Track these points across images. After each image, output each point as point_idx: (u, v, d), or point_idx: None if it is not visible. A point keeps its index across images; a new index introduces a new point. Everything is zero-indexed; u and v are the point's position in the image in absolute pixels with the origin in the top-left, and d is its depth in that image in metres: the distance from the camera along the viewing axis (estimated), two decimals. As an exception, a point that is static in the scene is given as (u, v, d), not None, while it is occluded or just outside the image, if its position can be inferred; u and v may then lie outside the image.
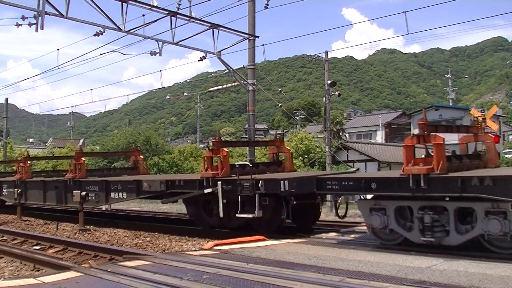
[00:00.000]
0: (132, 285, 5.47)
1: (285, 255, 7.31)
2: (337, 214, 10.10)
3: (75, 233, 12.54)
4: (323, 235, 10.15)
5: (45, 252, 9.40)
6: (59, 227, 13.87)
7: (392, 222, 8.03)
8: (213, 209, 10.86)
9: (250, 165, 12.71)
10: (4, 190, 18.23)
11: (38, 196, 16.03)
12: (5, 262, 8.55)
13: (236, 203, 10.03)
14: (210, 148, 11.19)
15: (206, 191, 10.42)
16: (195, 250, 8.66)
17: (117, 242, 11.00)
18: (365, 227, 9.16)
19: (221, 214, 10.12)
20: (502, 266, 6.09)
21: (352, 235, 10.04)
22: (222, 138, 12.72)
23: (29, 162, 17.49)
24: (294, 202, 9.70)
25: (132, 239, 11.25)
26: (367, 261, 6.67)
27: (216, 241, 8.87)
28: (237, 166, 12.10)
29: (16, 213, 16.50)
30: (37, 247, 10.10)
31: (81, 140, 77.94)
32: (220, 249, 8.06)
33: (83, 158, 14.93)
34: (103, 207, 17.70)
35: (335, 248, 8.08)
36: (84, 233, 12.39)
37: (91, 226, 13.36)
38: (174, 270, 6.27)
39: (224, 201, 10.17)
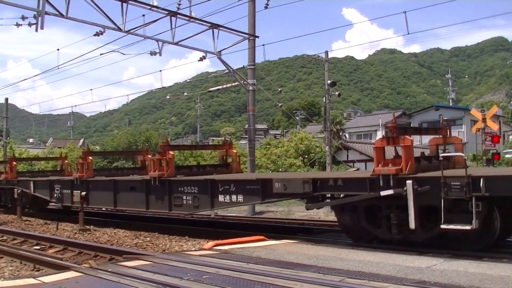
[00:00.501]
0: (132, 285, 5.47)
1: (285, 255, 7.31)
2: None
3: (75, 233, 12.54)
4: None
5: (45, 252, 9.40)
6: (59, 227, 13.88)
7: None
8: (382, 219, 8.28)
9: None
10: (56, 191, 15.20)
11: (106, 198, 13.21)
12: (5, 262, 8.55)
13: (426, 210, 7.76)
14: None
15: (385, 193, 7.79)
16: (195, 250, 8.65)
17: (117, 242, 11.01)
18: None
19: (412, 226, 7.40)
20: (502, 266, 6.09)
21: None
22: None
23: (90, 158, 14.78)
24: None
25: (132, 239, 11.26)
26: (367, 261, 6.67)
27: (216, 241, 8.87)
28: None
29: (16, 213, 16.50)
30: (37, 247, 10.10)
31: (81, 140, 77.96)
32: (220, 249, 8.06)
33: (171, 152, 11.79)
34: (103, 207, 17.62)
35: (335, 248, 8.07)
36: (84, 233, 12.39)
37: (91, 226, 13.36)
38: (174, 270, 6.27)
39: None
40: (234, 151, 14.11)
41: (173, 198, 11.08)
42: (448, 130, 9.84)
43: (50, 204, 18.11)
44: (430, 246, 7.65)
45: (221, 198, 10.20)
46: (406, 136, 7.95)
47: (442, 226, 7.11)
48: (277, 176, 11.14)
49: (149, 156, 16.97)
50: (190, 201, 10.79)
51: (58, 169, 22.47)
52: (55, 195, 15.25)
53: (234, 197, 10.00)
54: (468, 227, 6.81)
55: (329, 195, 9.04)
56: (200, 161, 35.02)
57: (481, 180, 6.76)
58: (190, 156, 38.17)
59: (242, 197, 9.90)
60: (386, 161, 7.96)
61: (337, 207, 9.17)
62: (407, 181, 7.42)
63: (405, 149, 7.78)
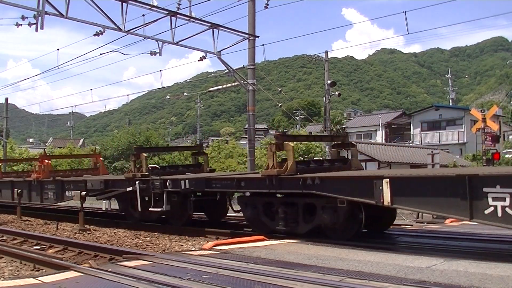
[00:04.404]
0: (132, 285, 5.47)
1: (285, 255, 7.31)
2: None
3: (75, 233, 12.54)
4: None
5: (45, 252, 9.39)
6: (59, 227, 13.87)
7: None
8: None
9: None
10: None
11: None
12: (5, 262, 8.54)
13: None
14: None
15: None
16: (195, 250, 8.65)
17: (117, 242, 11.00)
18: None
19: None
20: (502, 266, 6.08)
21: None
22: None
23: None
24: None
25: (132, 239, 11.25)
26: (367, 261, 6.67)
27: (216, 241, 8.88)
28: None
29: (16, 213, 16.50)
30: (37, 247, 10.09)
31: (81, 140, 77.98)
32: (220, 249, 8.06)
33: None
34: (103, 207, 17.63)
35: (335, 248, 8.07)
36: (84, 233, 12.39)
37: (91, 226, 13.35)
38: (174, 270, 6.27)
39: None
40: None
41: None
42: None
43: None
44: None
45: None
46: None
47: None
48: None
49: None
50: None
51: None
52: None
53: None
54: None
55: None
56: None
57: None
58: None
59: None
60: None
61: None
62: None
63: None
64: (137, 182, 12.04)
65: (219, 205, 12.81)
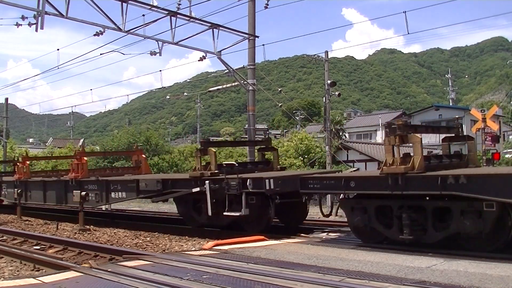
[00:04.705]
0: (132, 285, 5.47)
1: (285, 255, 7.31)
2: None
3: (75, 233, 12.54)
4: (323, 235, 10.17)
5: (45, 252, 9.40)
6: (59, 227, 13.87)
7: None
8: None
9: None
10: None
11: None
12: (5, 262, 8.54)
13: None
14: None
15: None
16: (195, 250, 8.65)
17: (117, 242, 11.00)
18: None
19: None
20: (502, 266, 6.08)
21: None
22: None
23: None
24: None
25: (132, 239, 11.26)
26: (367, 261, 6.67)
27: (216, 241, 8.87)
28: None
29: (16, 213, 16.49)
30: (37, 247, 10.10)
31: (81, 140, 77.94)
32: (220, 249, 8.06)
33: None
34: (103, 207, 17.65)
35: (335, 248, 8.07)
36: (84, 233, 12.39)
37: (91, 226, 13.36)
38: (174, 270, 6.27)
39: None
40: (144, 156, 17.16)
41: None
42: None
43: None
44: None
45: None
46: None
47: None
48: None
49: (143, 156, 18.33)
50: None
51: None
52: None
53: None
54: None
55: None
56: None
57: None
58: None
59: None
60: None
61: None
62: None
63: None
64: (206, 182, 10.30)
65: (299, 208, 11.27)
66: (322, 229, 11.39)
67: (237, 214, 9.93)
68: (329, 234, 10.41)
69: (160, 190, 11.63)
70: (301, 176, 9.25)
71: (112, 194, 13.06)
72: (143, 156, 17.59)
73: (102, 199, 13.46)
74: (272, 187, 9.43)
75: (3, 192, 18.03)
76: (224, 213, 10.13)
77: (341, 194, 8.88)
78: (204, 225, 11.34)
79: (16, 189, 16.65)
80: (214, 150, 11.09)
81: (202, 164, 11.10)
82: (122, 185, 12.85)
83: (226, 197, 10.03)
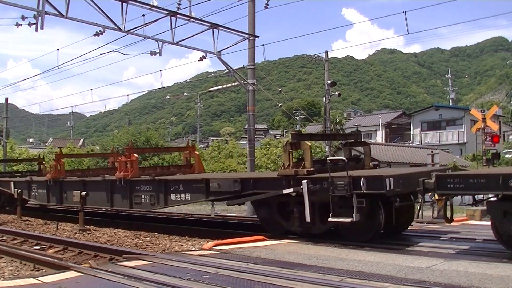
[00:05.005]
0: (132, 285, 5.47)
1: (285, 255, 7.31)
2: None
3: (75, 233, 12.54)
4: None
5: (45, 252, 9.40)
6: (59, 227, 13.87)
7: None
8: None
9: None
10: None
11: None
12: (5, 262, 8.54)
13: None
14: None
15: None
16: (195, 250, 8.66)
17: (117, 242, 11.01)
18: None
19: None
20: (502, 266, 6.09)
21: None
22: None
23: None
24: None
25: (132, 239, 11.26)
26: (367, 261, 6.67)
27: (216, 241, 8.87)
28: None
29: (16, 213, 16.49)
30: (37, 247, 10.10)
31: (81, 140, 77.98)
32: (220, 249, 8.06)
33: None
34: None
35: (335, 248, 8.08)
36: (84, 233, 12.39)
37: (91, 226, 13.36)
38: (174, 270, 6.27)
39: None
40: (197, 152, 15.46)
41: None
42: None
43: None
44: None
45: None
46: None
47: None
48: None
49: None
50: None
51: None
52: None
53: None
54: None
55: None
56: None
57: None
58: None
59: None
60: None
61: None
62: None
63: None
64: (304, 181, 8.73)
65: (408, 212, 9.80)
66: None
67: (347, 220, 8.18)
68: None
69: (238, 191, 9.96)
70: (437, 174, 7.54)
71: (172, 196, 11.36)
72: (197, 153, 15.41)
73: (158, 201, 11.68)
74: (392, 187, 7.97)
75: (32, 193, 16.20)
76: (329, 219, 8.41)
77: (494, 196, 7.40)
78: (294, 232, 9.46)
79: (46, 190, 15.42)
80: (310, 144, 9.40)
81: (294, 161, 9.35)
82: (186, 185, 11.09)
83: (330, 200, 8.42)
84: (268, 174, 12.20)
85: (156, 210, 14.41)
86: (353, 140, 11.64)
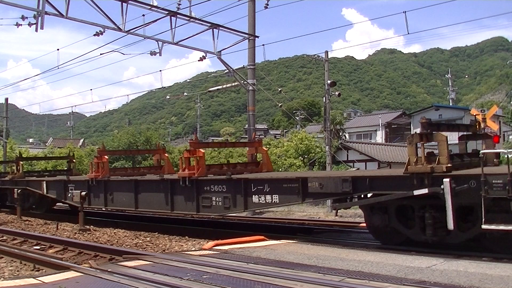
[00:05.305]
0: (132, 285, 5.47)
1: (285, 255, 7.31)
2: None
3: (75, 233, 12.54)
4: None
5: (45, 252, 9.40)
6: (59, 227, 13.87)
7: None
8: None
9: None
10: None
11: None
12: (5, 262, 8.54)
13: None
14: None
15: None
16: (195, 250, 8.66)
17: (117, 242, 11.00)
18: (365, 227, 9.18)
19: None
20: (502, 266, 6.09)
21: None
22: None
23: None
24: None
25: (132, 239, 11.25)
26: (367, 261, 6.67)
27: (216, 241, 8.88)
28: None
29: (16, 213, 16.48)
30: (37, 247, 10.10)
31: (81, 140, 77.95)
32: (220, 249, 8.07)
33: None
34: (103, 207, 17.34)
35: (335, 248, 8.07)
36: (84, 233, 12.39)
37: (91, 226, 13.35)
38: (174, 270, 6.27)
39: None
40: (265, 149, 13.75)
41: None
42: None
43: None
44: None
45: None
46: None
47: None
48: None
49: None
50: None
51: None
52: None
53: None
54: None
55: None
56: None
57: None
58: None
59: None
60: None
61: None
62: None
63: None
64: (445, 180, 7.14)
65: None
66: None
67: (509, 228, 6.70)
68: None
69: (348, 192, 8.42)
70: None
71: (254, 198, 9.79)
72: (264, 149, 13.62)
73: (235, 204, 10.12)
74: None
75: (69, 195, 14.26)
76: (483, 227, 6.85)
77: None
78: (419, 242, 7.85)
79: (87, 191, 13.70)
80: (446, 136, 7.95)
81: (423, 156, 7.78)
82: (274, 185, 9.52)
83: (482, 203, 6.84)
84: (387, 171, 10.43)
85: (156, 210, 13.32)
86: (471, 133, 10.21)
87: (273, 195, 9.49)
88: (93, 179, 13.69)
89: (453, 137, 10.39)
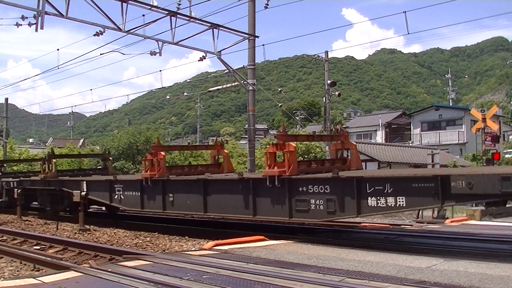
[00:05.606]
0: (132, 285, 5.47)
1: (285, 255, 7.31)
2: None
3: (75, 233, 12.54)
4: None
5: (45, 252, 9.40)
6: (59, 227, 13.87)
7: None
8: None
9: None
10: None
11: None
12: (5, 262, 8.55)
13: None
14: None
15: None
16: (195, 250, 8.65)
17: (117, 242, 11.00)
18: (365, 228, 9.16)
19: None
20: (502, 266, 6.08)
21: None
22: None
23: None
24: None
25: (132, 239, 11.25)
26: (367, 261, 6.67)
27: (216, 241, 8.87)
28: None
29: (16, 213, 16.49)
30: (37, 247, 10.10)
31: (81, 140, 77.96)
32: (220, 249, 8.06)
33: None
34: (103, 207, 17.42)
35: (335, 248, 8.07)
36: (84, 233, 12.39)
37: (91, 226, 13.35)
38: (174, 270, 6.27)
39: None
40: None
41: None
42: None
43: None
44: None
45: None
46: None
47: None
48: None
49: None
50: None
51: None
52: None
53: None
54: None
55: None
56: (200, 161, 34.61)
57: None
58: (190, 156, 38.07)
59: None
60: None
61: None
62: None
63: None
64: None
65: None
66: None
67: None
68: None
69: (509, 194, 6.80)
70: None
71: (370, 201, 8.12)
72: (354, 143, 11.95)
73: (343, 208, 8.43)
74: None
75: (115, 196, 13.04)
76: None
77: None
78: None
79: (140, 192, 12.21)
80: None
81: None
82: (400, 185, 7.84)
83: None
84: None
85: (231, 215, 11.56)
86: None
87: (398, 197, 7.82)
88: (148, 179, 11.89)
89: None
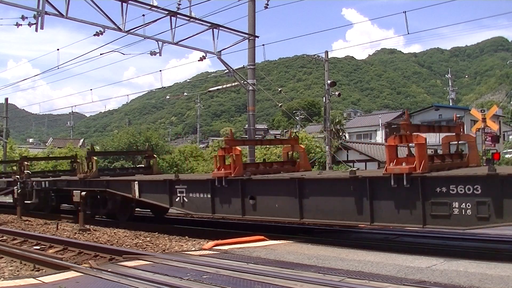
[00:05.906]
0: (132, 285, 5.47)
1: (285, 255, 7.31)
2: None
3: (75, 233, 12.53)
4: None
5: (45, 252, 9.40)
6: (59, 227, 13.86)
7: None
8: None
9: None
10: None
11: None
12: (5, 262, 8.54)
13: None
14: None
15: None
16: (195, 250, 8.65)
17: (117, 242, 10.99)
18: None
19: None
20: (502, 266, 6.08)
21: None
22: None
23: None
24: None
25: (132, 239, 11.25)
26: (367, 261, 6.67)
27: (216, 241, 8.87)
28: None
29: (16, 213, 16.48)
30: (37, 247, 10.10)
31: (81, 140, 78.01)
32: (220, 249, 8.06)
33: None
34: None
35: (335, 248, 8.07)
36: (84, 233, 12.38)
37: (91, 226, 13.34)
38: (174, 270, 6.27)
39: None
40: (302, 146, 12.12)
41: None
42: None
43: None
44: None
45: None
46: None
47: None
48: None
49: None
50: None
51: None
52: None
53: None
54: None
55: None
56: (200, 160, 34.68)
57: None
58: (190, 156, 38.11)
59: None
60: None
61: None
62: None
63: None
64: None
65: None
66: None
67: None
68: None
69: None
70: None
71: None
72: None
73: (501, 213, 6.69)
74: None
75: (177, 198, 11.28)
76: None
77: None
78: None
79: (211, 194, 10.36)
80: None
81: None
82: None
83: None
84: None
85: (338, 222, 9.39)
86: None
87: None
88: (222, 179, 10.08)
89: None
